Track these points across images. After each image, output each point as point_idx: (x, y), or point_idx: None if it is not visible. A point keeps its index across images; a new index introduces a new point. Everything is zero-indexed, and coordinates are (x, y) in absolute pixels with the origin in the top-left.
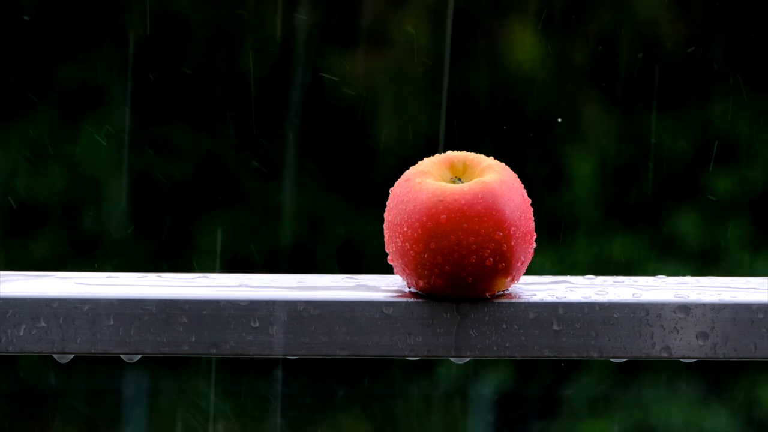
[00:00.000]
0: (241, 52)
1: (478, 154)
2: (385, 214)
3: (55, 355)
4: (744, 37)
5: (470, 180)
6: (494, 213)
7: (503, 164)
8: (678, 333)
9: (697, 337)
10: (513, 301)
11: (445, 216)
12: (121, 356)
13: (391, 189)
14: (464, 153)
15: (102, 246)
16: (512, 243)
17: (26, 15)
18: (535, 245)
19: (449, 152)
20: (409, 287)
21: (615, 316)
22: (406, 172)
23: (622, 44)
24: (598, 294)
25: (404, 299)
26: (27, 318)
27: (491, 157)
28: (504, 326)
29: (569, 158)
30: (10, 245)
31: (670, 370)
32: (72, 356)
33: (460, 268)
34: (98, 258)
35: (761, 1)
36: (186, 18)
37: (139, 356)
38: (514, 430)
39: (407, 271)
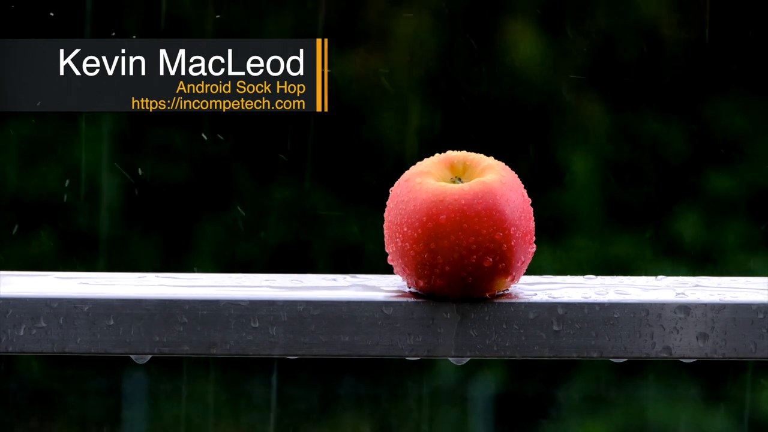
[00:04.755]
0: None
1: (478, 154)
2: (385, 214)
3: (132, 356)
4: (744, 37)
5: (470, 180)
6: (494, 213)
7: (503, 164)
8: (678, 333)
9: (697, 337)
10: (513, 301)
11: (444, 216)
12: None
13: (391, 189)
14: (464, 153)
15: (101, 246)
16: (512, 243)
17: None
18: (535, 246)
19: (449, 152)
20: (409, 287)
21: (615, 316)
22: (406, 172)
23: (622, 43)
24: (598, 294)
25: (404, 299)
26: (27, 318)
27: (491, 157)
28: (504, 326)
29: (569, 158)
30: (9, 245)
31: (670, 370)
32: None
33: (460, 268)
34: (97, 258)
35: (761, 1)
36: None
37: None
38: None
39: (407, 271)
